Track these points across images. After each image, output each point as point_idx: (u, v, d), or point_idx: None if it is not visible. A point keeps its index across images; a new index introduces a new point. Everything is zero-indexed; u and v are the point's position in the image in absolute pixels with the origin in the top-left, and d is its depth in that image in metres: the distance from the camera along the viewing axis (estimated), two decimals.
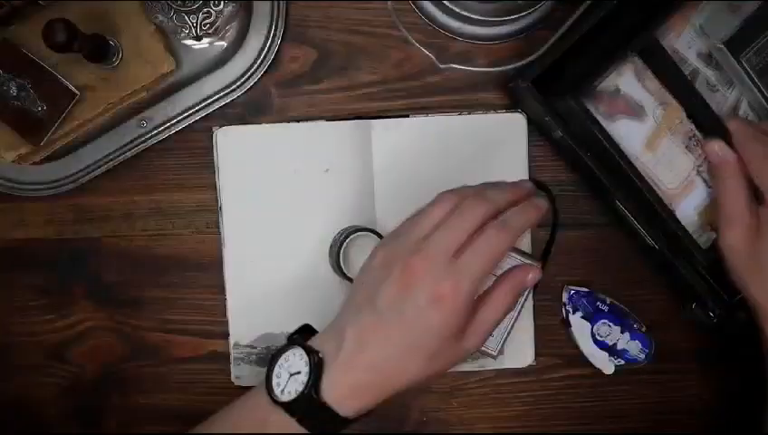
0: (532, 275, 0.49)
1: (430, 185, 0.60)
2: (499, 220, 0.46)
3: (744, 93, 0.59)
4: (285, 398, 0.46)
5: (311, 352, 0.46)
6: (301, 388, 0.45)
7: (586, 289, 0.64)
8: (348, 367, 0.46)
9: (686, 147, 0.59)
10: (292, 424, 0.46)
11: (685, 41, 0.59)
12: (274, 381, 0.47)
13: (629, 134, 0.59)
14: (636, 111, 0.59)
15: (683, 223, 0.60)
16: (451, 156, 0.62)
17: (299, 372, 0.46)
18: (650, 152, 0.59)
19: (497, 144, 0.62)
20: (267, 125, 0.62)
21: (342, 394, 0.46)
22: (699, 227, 0.60)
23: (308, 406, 0.45)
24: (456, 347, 0.46)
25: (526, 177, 0.63)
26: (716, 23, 0.58)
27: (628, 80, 0.58)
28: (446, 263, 0.44)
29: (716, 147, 0.54)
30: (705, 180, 0.60)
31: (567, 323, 0.64)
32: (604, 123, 0.58)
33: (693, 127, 0.59)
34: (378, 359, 0.45)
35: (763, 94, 0.58)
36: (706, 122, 0.59)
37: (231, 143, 0.62)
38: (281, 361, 0.47)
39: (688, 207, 0.60)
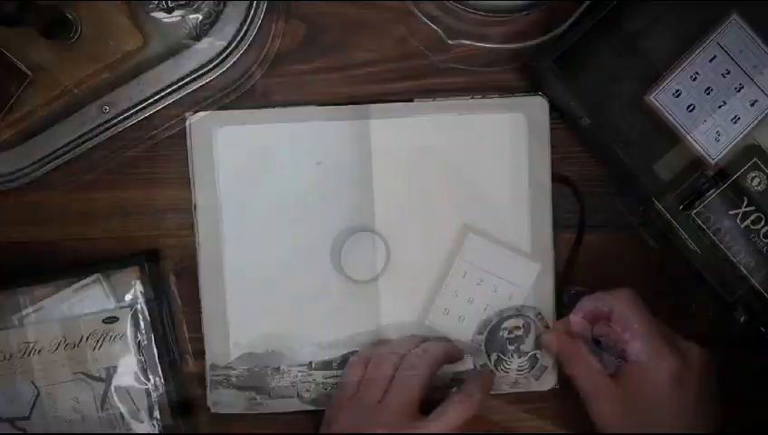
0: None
1: (432, 181, 0.61)
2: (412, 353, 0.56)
3: None
4: None
5: None
6: None
7: (586, 289, 0.62)
8: None
9: None
10: None
11: None
12: None
13: None
14: None
15: None
16: (456, 150, 0.60)
17: None
18: None
19: (511, 135, 0.60)
20: (249, 111, 0.60)
21: None
22: None
23: None
24: None
25: (549, 172, 0.60)
26: None
27: None
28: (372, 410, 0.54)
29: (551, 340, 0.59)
30: None
31: None
32: None
33: None
34: None
35: None
36: None
37: (207, 132, 0.60)
38: None
39: None
